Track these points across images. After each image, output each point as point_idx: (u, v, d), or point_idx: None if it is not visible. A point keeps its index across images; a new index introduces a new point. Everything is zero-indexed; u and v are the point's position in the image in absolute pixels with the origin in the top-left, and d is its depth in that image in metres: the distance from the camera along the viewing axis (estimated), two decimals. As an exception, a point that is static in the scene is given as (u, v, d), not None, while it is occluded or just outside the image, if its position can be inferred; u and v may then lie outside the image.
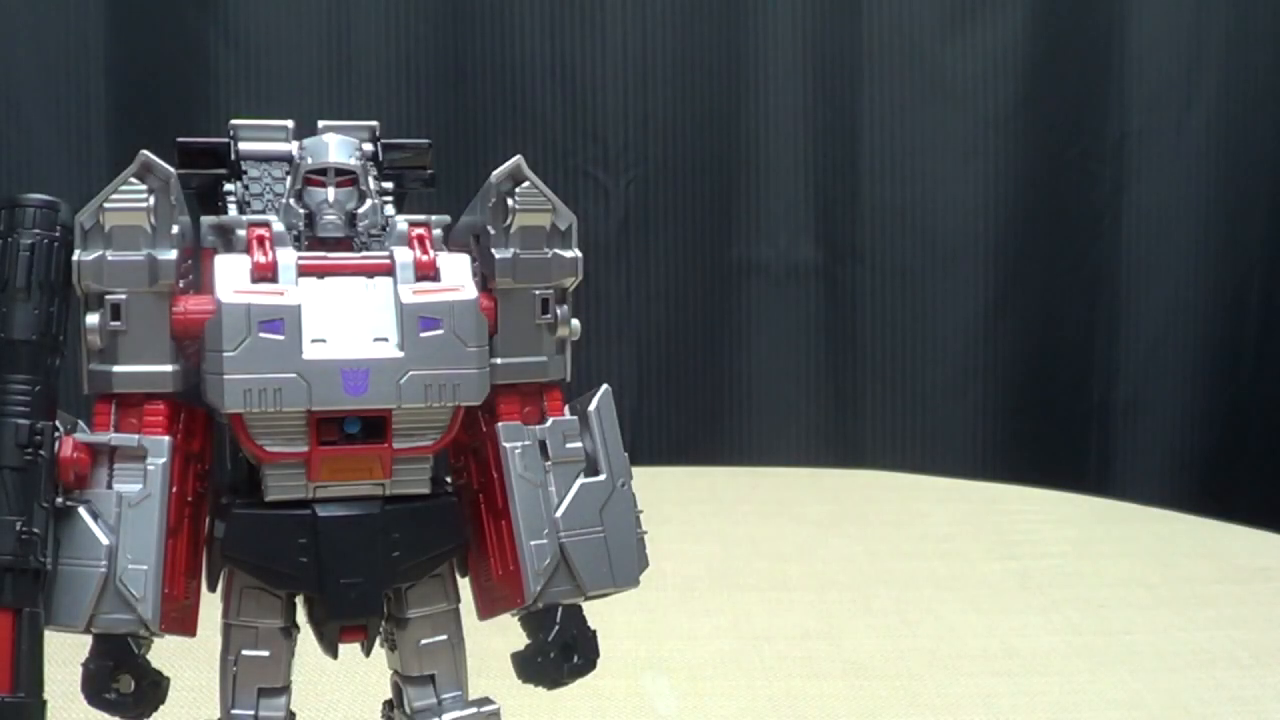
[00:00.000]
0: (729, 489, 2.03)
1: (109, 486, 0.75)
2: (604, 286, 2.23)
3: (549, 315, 0.81)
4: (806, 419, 2.31)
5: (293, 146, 0.81)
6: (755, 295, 2.29)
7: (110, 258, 0.74)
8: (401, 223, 0.80)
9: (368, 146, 0.82)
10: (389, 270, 0.77)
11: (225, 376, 0.73)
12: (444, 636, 0.81)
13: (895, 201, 2.27)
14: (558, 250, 0.81)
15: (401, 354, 0.75)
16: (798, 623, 1.48)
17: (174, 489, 0.75)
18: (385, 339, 0.75)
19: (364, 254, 0.79)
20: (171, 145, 0.81)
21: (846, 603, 1.54)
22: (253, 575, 0.77)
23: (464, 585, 0.82)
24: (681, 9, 2.22)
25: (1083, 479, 2.25)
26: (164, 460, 0.75)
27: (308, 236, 0.79)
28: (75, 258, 0.74)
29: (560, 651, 0.81)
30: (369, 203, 0.80)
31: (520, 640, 0.81)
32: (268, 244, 0.76)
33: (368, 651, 0.81)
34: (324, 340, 0.74)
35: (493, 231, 0.80)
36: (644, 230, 2.26)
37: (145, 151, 0.76)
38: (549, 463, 0.80)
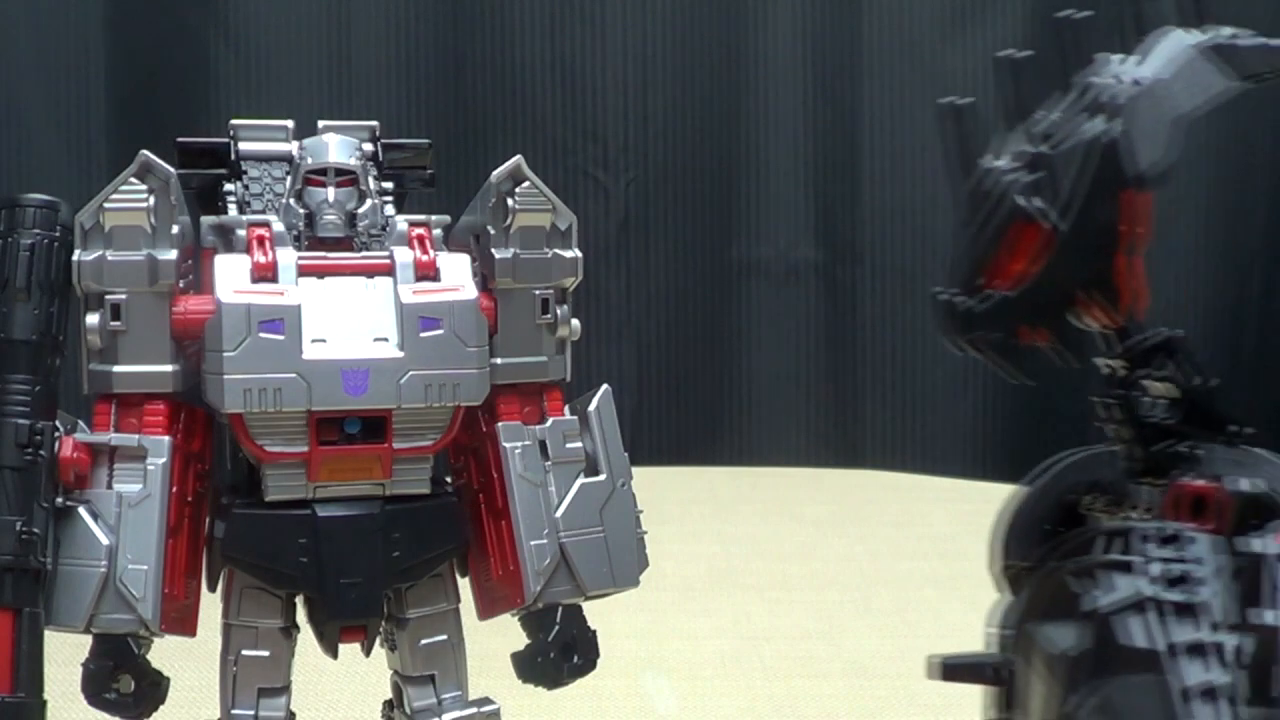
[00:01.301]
0: (729, 489, 2.03)
1: (109, 486, 0.75)
2: (604, 286, 2.23)
3: (549, 315, 0.81)
4: (806, 419, 2.31)
5: (293, 146, 0.82)
6: (755, 295, 2.29)
7: (110, 258, 0.74)
8: (401, 223, 0.80)
9: (368, 146, 0.83)
10: (389, 270, 0.77)
11: (225, 376, 0.73)
12: (444, 636, 0.81)
13: (895, 202, 2.27)
14: (558, 250, 0.81)
15: (401, 354, 0.75)
16: (798, 623, 1.48)
17: (174, 489, 0.75)
18: (385, 339, 0.75)
19: (364, 254, 0.79)
20: (171, 145, 0.81)
21: (846, 603, 1.54)
22: (253, 575, 0.77)
23: (464, 585, 0.82)
24: (681, 9, 2.22)
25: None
26: (164, 460, 0.75)
27: (308, 236, 0.79)
28: (75, 258, 0.74)
29: (560, 651, 0.81)
30: (369, 203, 0.80)
31: (520, 640, 0.81)
32: (268, 244, 0.76)
33: (368, 651, 0.81)
34: (324, 340, 0.74)
35: (493, 231, 0.80)
36: (644, 230, 2.26)
37: (145, 151, 0.76)
38: (549, 463, 0.80)
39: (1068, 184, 0.73)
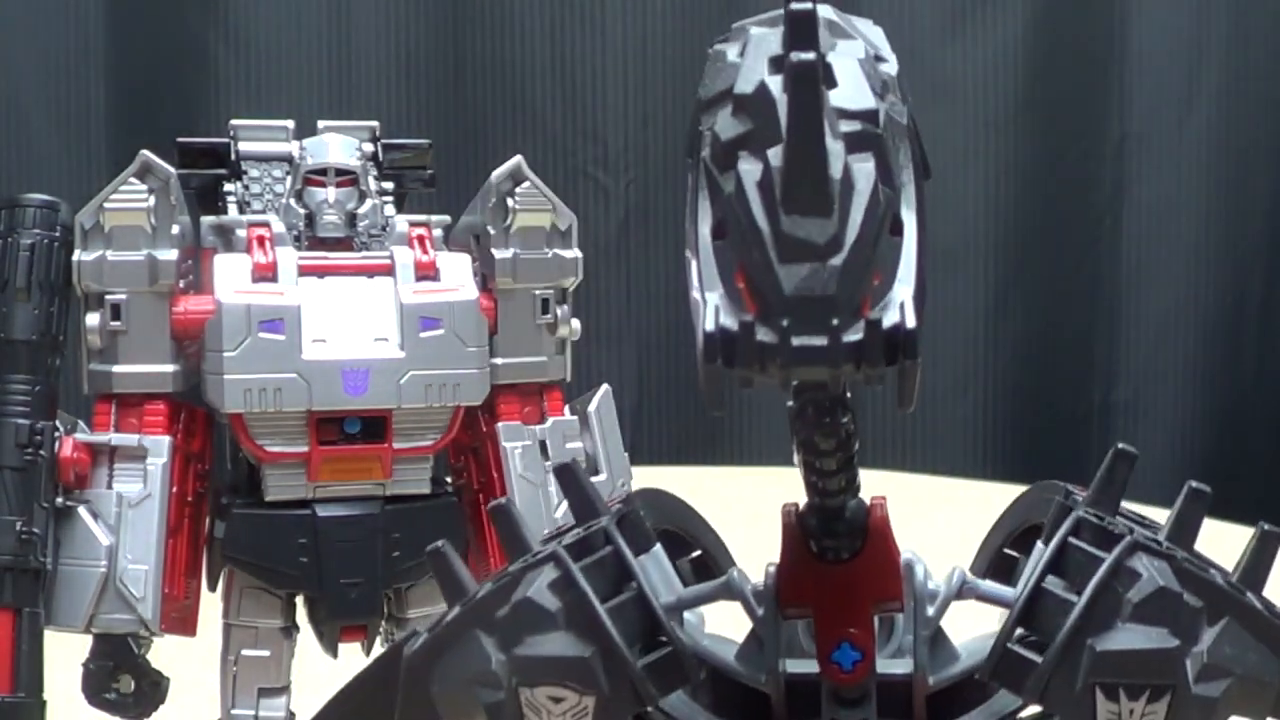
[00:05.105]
0: (729, 489, 2.02)
1: (109, 486, 0.75)
2: (604, 286, 2.23)
3: (549, 315, 0.81)
4: (806, 419, 2.31)
5: (293, 147, 0.82)
6: (755, 295, 2.29)
7: (110, 258, 0.74)
8: (401, 223, 0.80)
9: (368, 146, 0.83)
10: (389, 270, 0.77)
11: (225, 376, 0.73)
12: (444, 636, 0.81)
13: (895, 202, 2.27)
14: (558, 250, 0.81)
15: (402, 354, 0.75)
16: (798, 623, 1.48)
17: (174, 489, 0.75)
18: (386, 339, 0.75)
19: (364, 254, 0.79)
20: (171, 145, 0.81)
21: (846, 603, 1.54)
22: (253, 575, 0.77)
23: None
24: (681, 9, 2.22)
25: (1083, 479, 2.25)
26: (164, 460, 0.75)
27: (308, 236, 0.79)
28: (75, 258, 0.75)
29: (560, 652, 0.80)
30: (369, 203, 0.80)
31: (520, 640, 0.81)
32: (268, 244, 0.76)
33: (368, 651, 0.82)
34: (324, 340, 0.74)
35: (493, 231, 0.80)
36: (644, 230, 2.26)
37: (145, 151, 0.76)
38: (549, 463, 0.80)
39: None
